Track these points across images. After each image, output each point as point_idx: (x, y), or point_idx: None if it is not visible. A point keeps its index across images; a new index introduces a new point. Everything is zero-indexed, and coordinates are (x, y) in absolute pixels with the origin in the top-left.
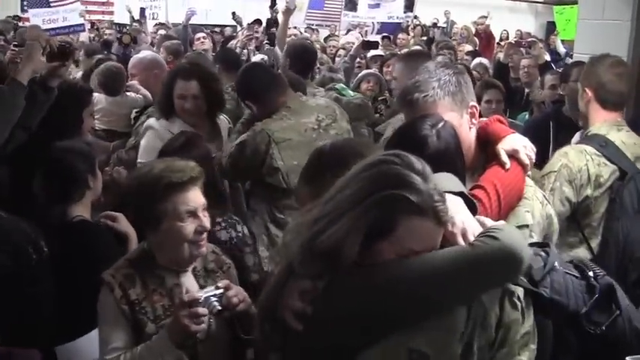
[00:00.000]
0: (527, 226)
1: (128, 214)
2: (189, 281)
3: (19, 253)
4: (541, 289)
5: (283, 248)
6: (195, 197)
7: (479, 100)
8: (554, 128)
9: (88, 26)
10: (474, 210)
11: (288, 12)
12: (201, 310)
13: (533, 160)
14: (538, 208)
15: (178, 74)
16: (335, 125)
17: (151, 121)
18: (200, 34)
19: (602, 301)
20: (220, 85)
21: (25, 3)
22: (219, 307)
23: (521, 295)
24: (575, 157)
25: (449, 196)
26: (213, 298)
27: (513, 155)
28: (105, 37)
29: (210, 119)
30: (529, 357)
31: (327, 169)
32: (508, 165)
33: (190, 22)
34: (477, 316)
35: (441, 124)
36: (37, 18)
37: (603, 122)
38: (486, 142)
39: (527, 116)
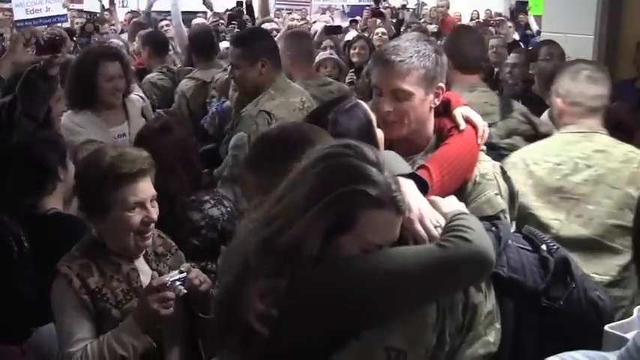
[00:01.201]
0: (502, 210)
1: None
2: (142, 266)
3: (2, 246)
4: (498, 268)
5: (237, 244)
6: (145, 188)
7: None
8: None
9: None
10: (425, 190)
11: None
12: (170, 294)
13: (487, 133)
14: (503, 185)
15: (102, 57)
16: (312, 107)
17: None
18: (164, 22)
19: (557, 275)
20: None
21: None
22: (185, 291)
23: None
24: None
25: (401, 180)
26: (178, 282)
27: (468, 119)
28: (75, 25)
29: (122, 100)
30: (495, 336)
31: (276, 158)
32: (463, 126)
33: (162, 10)
34: (445, 304)
35: (346, 108)
36: (21, 8)
37: (458, 85)
38: (442, 111)
39: None
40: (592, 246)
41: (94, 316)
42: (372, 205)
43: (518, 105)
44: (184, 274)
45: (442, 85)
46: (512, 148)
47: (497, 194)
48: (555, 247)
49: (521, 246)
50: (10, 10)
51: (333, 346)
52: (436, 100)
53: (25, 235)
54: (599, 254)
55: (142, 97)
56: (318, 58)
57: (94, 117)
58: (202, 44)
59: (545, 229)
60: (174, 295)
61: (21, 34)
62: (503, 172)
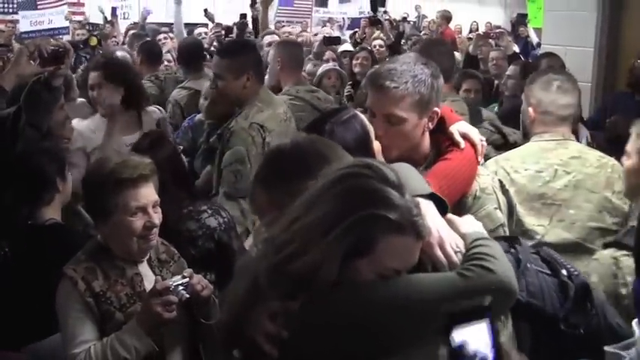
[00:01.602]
0: (502, 224)
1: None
2: (146, 271)
3: None
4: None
5: (247, 263)
6: (147, 193)
7: (458, 90)
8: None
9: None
10: (445, 209)
11: (267, 1)
12: (173, 298)
13: (485, 146)
14: (502, 199)
15: (89, 67)
16: (292, 117)
17: (74, 121)
18: (161, 35)
19: (578, 301)
20: (133, 75)
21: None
22: (188, 295)
23: None
24: None
25: (420, 202)
26: (181, 287)
27: (465, 136)
28: (77, 37)
29: (130, 109)
30: None
31: (290, 176)
32: (463, 145)
33: (162, 21)
34: None
35: (343, 119)
36: (26, 20)
37: None
38: (437, 128)
39: (496, 107)
40: (575, 249)
41: (97, 318)
42: (393, 230)
43: (487, 113)
44: (187, 279)
45: (437, 109)
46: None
47: (496, 208)
48: (576, 272)
49: (540, 269)
50: (13, 22)
51: None
52: (430, 123)
53: (10, 243)
54: (580, 256)
55: (159, 109)
56: (321, 70)
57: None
58: (190, 56)
59: (531, 235)
60: (177, 299)
61: (25, 47)
62: (502, 186)
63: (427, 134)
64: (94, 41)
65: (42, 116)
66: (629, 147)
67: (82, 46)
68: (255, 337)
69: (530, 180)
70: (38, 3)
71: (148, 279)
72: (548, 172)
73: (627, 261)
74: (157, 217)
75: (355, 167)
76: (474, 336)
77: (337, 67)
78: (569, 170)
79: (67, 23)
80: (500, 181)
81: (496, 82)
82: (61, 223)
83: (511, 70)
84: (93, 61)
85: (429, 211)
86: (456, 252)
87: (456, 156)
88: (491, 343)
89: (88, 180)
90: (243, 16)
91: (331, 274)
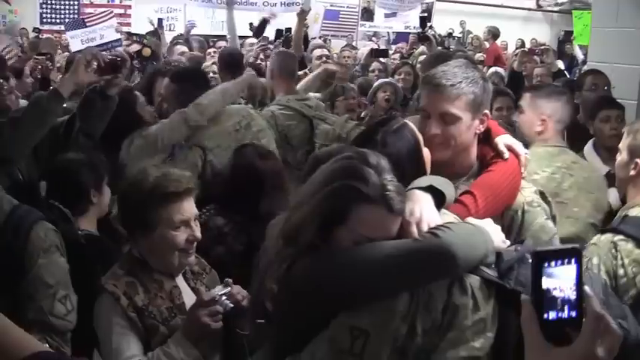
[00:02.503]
0: (555, 233)
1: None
2: (182, 283)
3: None
4: (505, 281)
5: (268, 242)
6: (190, 207)
7: (490, 108)
8: (568, 136)
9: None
10: (441, 202)
11: (303, 14)
12: (219, 308)
13: (528, 161)
14: (547, 209)
15: (170, 74)
16: (253, 123)
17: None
18: (211, 49)
19: None
20: None
21: (43, 20)
22: (232, 305)
23: (476, 283)
24: None
25: (414, 191)
26: (224, 297)
27: (510, 148)
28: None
29: None
30: (483, 344)
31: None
32: (507, 155)
33: (206, 34)
34: (420, 298)
35: (394, 128)
36: (76, 39)
37: None
38: (483, 139)
39: None
40: (575, 242)
41: (141, 333)
42: (363, 200)
43: None
44: (229, 289)
45: (487, 111)
46: None
47: (547, 219)
48: None
49: None
50: (59, 32)
51: (320, 325)
52: (481, 126)
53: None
54: None
55: None
56: (377, 83)
57: None
58: (231, 63)
59: None
60: (222, 309)
61: (83, 57)
62: (544, 197)
63: (476, 141)
64: (147, 52)
65: (94, 123)
66: (621, 144)
67: (135, 56)
68: (261, 296)
69: (548, 181)
70: (86, 20)
71: (185, 291)
72: (559, 174)
73: (624, 245)
74: (198, 231)
75: (347, 153)
76: (562, 278)
77: (394, 81)
78: (572, 173)
79: (118, 35)
80: (541, 192)
81: None
82: (95, 234)
83: None
84: (171, 70)
85: (420, 198)
86: None
87: (500, 167)
88: (575, 284)
89: (128, 193)
90: (289, 30)
91: (309, 236)
